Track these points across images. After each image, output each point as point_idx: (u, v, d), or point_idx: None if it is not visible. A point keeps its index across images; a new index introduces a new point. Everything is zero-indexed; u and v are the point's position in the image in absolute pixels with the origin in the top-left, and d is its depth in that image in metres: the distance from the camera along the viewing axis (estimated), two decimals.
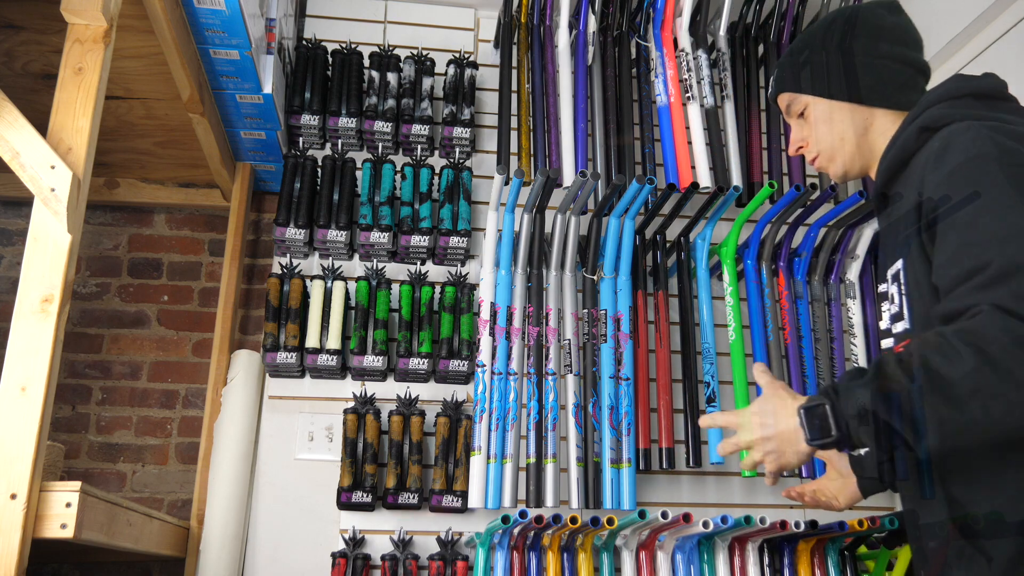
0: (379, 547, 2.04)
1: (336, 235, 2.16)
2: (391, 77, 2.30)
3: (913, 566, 1.38)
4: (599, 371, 2.08)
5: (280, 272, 2.16)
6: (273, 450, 2.16)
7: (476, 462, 1.95)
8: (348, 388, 2.18)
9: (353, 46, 2.35)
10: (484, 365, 2.03)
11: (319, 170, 2.23)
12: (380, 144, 2.31)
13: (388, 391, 2.18)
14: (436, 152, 2.37)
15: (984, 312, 0.94)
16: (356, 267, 2.27)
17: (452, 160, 2.30)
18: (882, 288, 1.24)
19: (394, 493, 2.00)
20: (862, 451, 1.44)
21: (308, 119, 2.24)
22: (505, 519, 1.75)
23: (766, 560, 1.94)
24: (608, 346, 2.10)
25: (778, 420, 1.09)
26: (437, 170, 2.29)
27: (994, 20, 2.08)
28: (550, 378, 2.06)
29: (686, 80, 2.30)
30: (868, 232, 2.19)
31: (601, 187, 2.20)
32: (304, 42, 2.35)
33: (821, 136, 1.30)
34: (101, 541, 1.43)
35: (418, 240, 2.16)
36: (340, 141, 2.31)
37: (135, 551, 1.71)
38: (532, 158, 2.21)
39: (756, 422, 1.11)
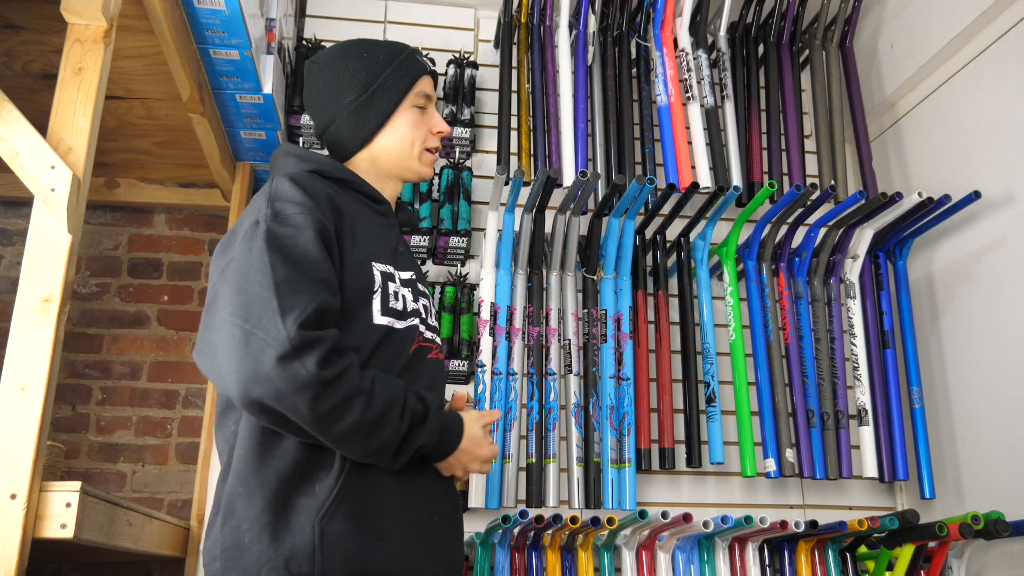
0: None
1: None
2: None
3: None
4: (599, 371, 2.08)
5: None
6: None
7: None
8: None
9: None
10: (484, 365, 2.03)
11: None
12: None
13: None
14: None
15: None
16: None
17: (452, 160, 2.30)
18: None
19: None
20: None
21: (308, 119, 2.24)
22: (505, 519, 1.75)
23: (766, 560, 1.94)
24: (608, 346, 2.10)
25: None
26: (437, 170, 2.29)
27: (994, 20, 2.08)
28: (550, 378, 2.06)
29: (686, 80, 2.30)
30: (868, 232, 2.19)
31: (601, 187, 2.20)
32: (304, 42, 2.35)
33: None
34: (101, 541, 1.43)
35: (418, 240, 2.16)
36: None
37: (135, 551, 1.71)
38: (532, 158, 2.21)
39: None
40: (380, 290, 1.27)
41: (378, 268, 1.29)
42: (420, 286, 1.38)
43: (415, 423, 1.18)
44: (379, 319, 1.26)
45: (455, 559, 1.30)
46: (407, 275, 1.35)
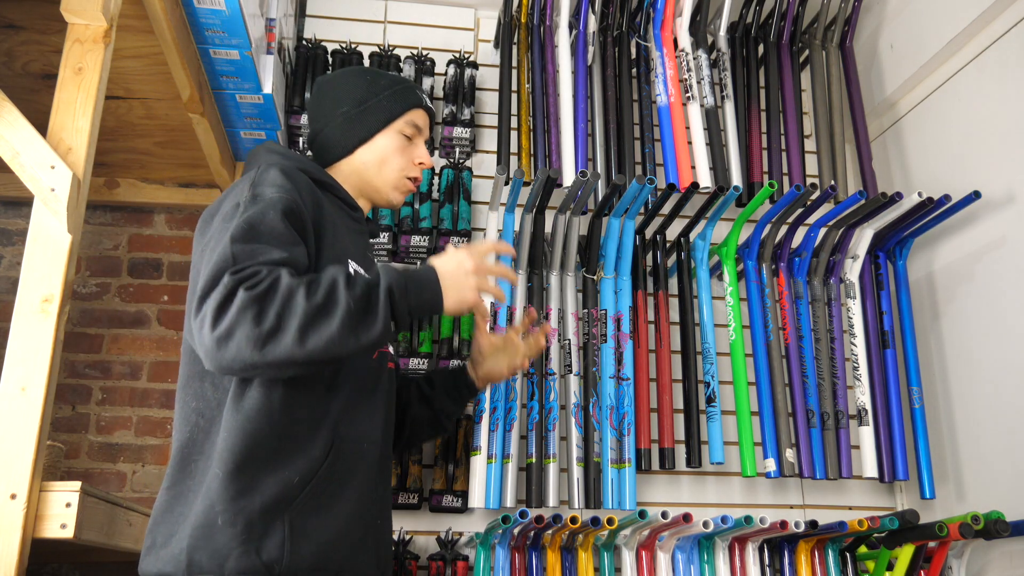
0: None
1: None
2: None
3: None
4: (599, 371, 2.08)
5: None
6: None
7: (476, 462, 1.95)
8: None
9: (353, 46, 2.35)
10: None
11: None
12: None
13: None
14: (436, 152, 2.37)
15: None
16: None
17: (452, 160, 2.30)
18: None
19: (394, 493, 2.00)
20: None
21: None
22: (505, 519, 1.75)
23: (766, 560, 1.94)
24: (608, 346, 2.10)
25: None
26: (437, 170, 2.29)
27: (994, 20, 2.08)
28: (550, 378, 2.06)
29: (686, 80, 2.30)
30: (868, 232, 2.19)
31: (601, 187, 2.20)
32: (304, 42, 2.35)
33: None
34: (101, 541, 1.43)
35: (418, 240, 2.16)
36: None
37: (135, 551, 1.70)
38: (532, 158, 2.21)
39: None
40: None
41: (354, 267, 1.33)
42: None
43: (370, 284, 1.16)
44: None
45: (387, 556, 1.37)
46: None
